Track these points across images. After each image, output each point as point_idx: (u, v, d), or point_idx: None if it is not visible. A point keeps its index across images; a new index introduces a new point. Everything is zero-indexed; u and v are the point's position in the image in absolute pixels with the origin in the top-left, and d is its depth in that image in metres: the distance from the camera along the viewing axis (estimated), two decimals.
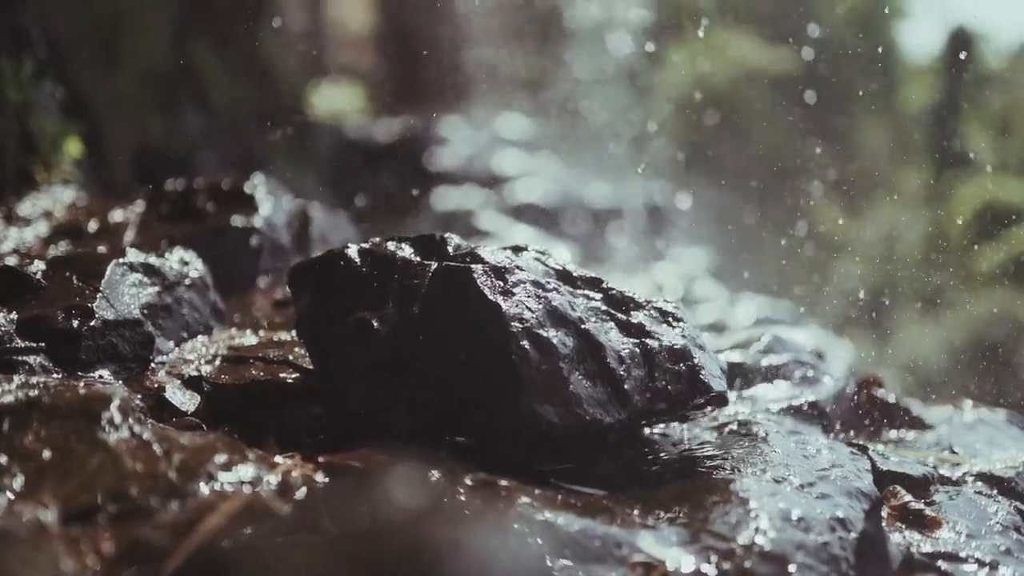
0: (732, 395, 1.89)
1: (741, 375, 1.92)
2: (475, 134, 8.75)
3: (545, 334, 1.42)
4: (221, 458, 1.19)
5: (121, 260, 1.78)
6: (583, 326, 1.47)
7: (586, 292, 1.58)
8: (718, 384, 1.51)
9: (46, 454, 1.17)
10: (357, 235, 2.98)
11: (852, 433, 2.10)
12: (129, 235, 2.49)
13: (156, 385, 1.64)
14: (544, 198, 6.92)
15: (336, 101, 9.78)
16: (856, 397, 2.14)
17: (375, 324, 1.50)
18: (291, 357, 1.72)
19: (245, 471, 1.17)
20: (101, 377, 1.58)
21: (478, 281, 1.44)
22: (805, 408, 1.81)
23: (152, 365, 1.73)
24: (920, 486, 1.57)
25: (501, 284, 1.46)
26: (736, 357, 1.94)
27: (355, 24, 11.32)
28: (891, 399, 2.19)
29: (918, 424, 2.11)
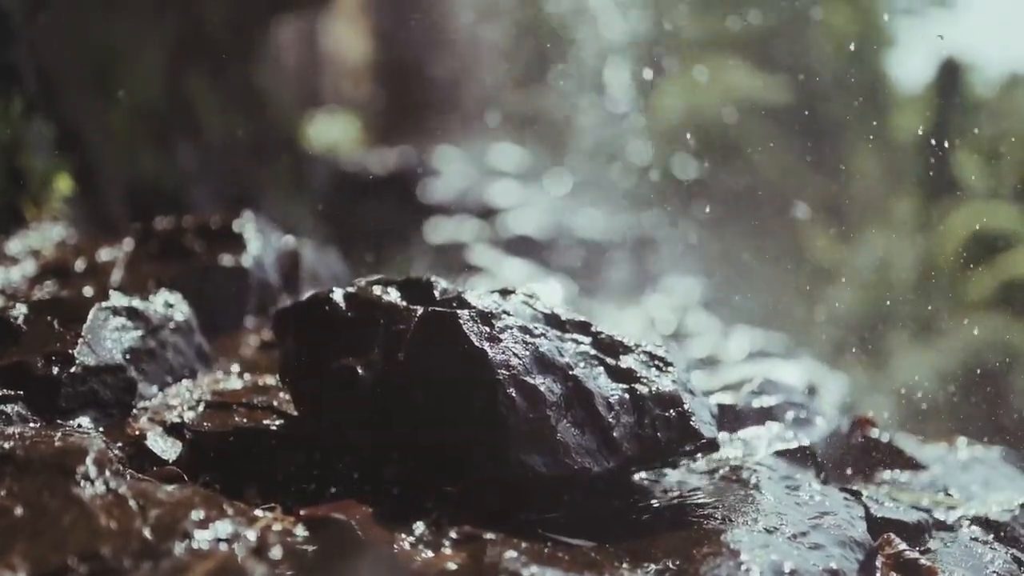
0: (724, 436, 1.87)
1: (732, 417, 1.89)
2: (469, 165, 8.78)
3: (532, 381, 1.39)
4: (198, 514, 1.16)
5: (104, 304, 1.76)
6: (571, 372, 1.45)
7: (575, 336, 1.56)
8: (709, 431, 1.49)
9: (19, 511, 1.14)
10: (347, 272, 2.97)
11: (848, 471, 2.07)
12: (116, 274, 2.47)
13: (137, 432, 1.61)
14: (537, 229, 6.93)
15: (331, 132, 9.82)
16: (849, 437, 2.12)
17: (360, 371, 1.48)
18: (275, 403, 1.70)
19: (222, 528, 1.14)
20: (80, 425, 1.55)
21: (464, 327, 1.42)
22: (797, 452, 1.79)
23: (134, 411, 1.70)
24: (915, 533, 1.54)
25: (488, 330, 1.44)
26: (727, 399, 1.91)
27: (351, 55, 11.41)
28: (884, 439, 2.16)
29: (912, 464, 2.08)
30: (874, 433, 2.17)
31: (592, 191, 9.13)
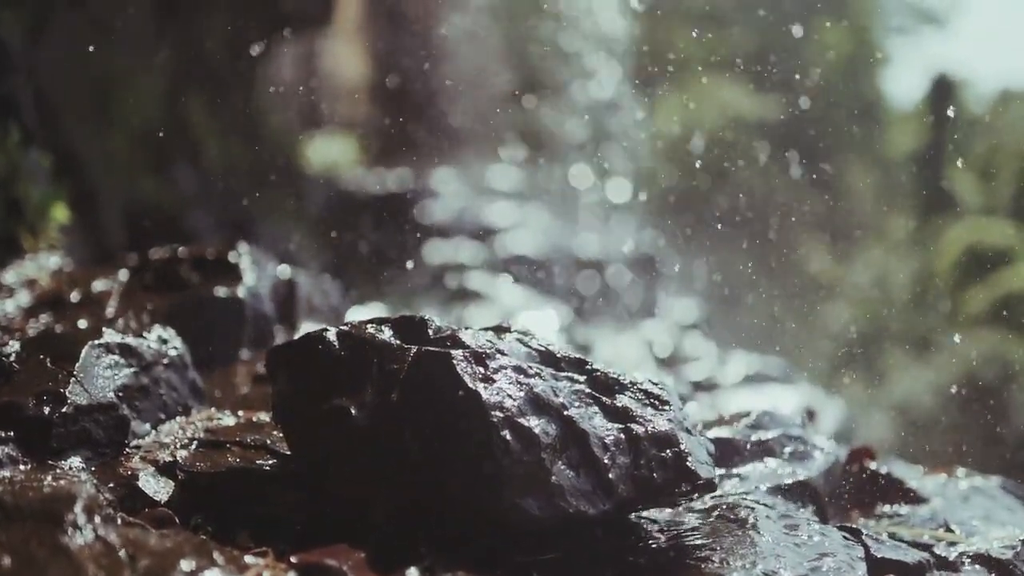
0: (720, 471, 1.85)
1: (730, 451, 1.88)
2: (466, 186, 8.80)
3: (527, 423, 1.38)
4: (188, 564, 1.14)
5: (97, 342, 1.75)
6: (566, 412, 1.44)
7: (570, 374, 1.55)
8: (706, 471, 1.48)
9: (5, 561, 1.13)
10: (344, 301, 2.96)
11: (847, 505, 2.05)
12: (112, 306, 2.46)
13: (129, 472, 1.59)
14: (534, 250, 6.93)
15: (329, 154, 9.84)
16: (848, 470, 2.10)
17: (353, 411, 1.47)
18: (269, 441, 1.68)
19: None
20: (72, 466, 1.54)
21: (458, 368, 1.42)
22: (796, 487, 1.77)
23: (127, 450, 1.68)
24: (916, 573, 1.53)
25: (482, 370, 1.43)
26: (724, 433, 1.90)
27: (349, 76, 11.45)
28: (884, 470, 2.15)
29: (912, 497, 2.06)
30: (873, 465, 2.15)
31: (589, 210, 9.15)
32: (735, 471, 1.83)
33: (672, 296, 7.23)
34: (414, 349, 1.49)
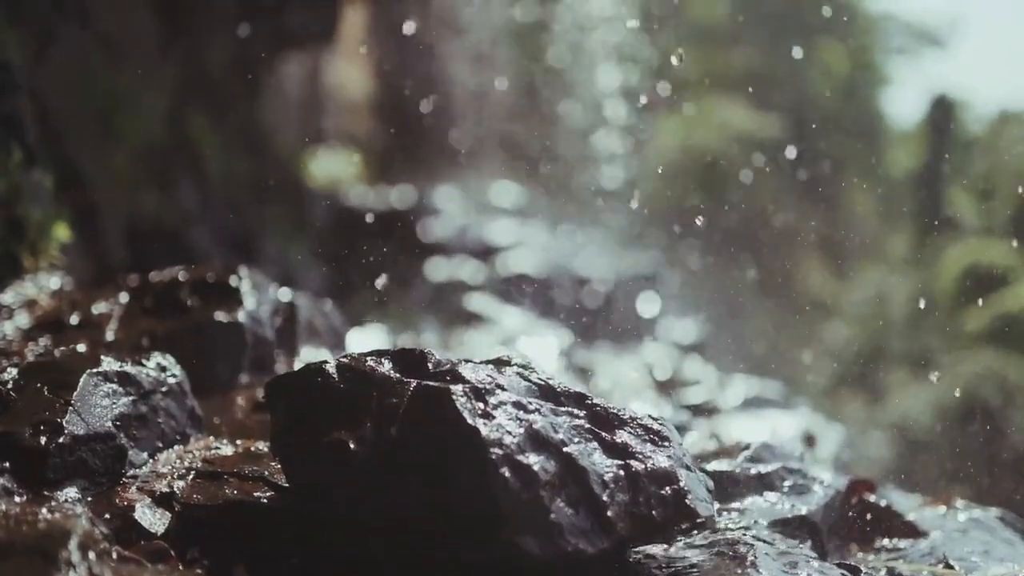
0: (719, 505, 1.85)
1: (729, 484, 1.87)
2: (469, 203, 8.81)
3: (526, 460, 1.38)
4: None
5: (95, 370, 1.75)
6: (566, 449, 1.44)
7: (570, 409, 1.54)
8: (705, 509, 1.47)
9: None
10: (343, 323, 2.96)
11: (847, 539, 2.04)
12: (111, 329, 2.46)
13: (126, 503, 1.59)
14: (535, 269, 6.93)
15: (332, 169, 9.87)
16: (847, 503, 2.09)
17: (352, 445, 1.46)
18: (267, 473, 1.68)
19: None
20: (68, 498, 1.53)
21: (457, 403, 1.41)
22: (795, 522, 1.77)
23: (124, 479, 1.68)
24: None
25: (481, 406, 1.43)
26: (724, 465, 1.89)
27: (352, 92, 11.50)
28: (883, 503, 2.14)
29: (911, 531, 2.05)
30: (872, 497, 2.14)
31: (590, 229, 9.16)
32: (734, 505, 1.82)
33: (673, 316, 7.22)
34: (413, 383, 1.48)
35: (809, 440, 3.70)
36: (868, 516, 2.05)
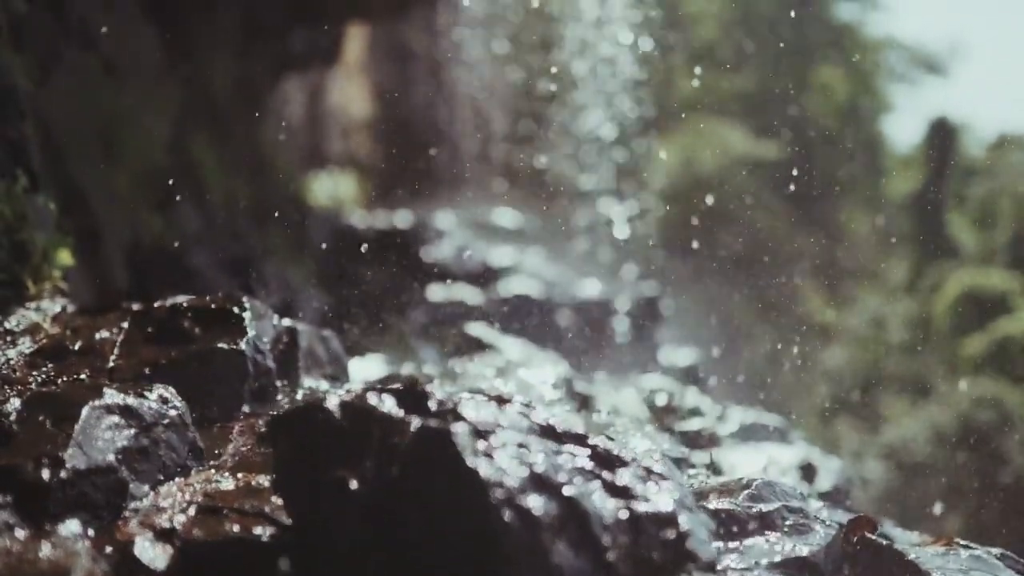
0: (720, 544, 1.84)
1: (729, 523, 1.87)
2: (469, 226, 8.83)
3: (527, 503, 1.38)
4: None
5: (97, 403, 1.75)
6: (567, 491, 1.44)
7: (571, 449, 1.55)
8: (706, 552, 1.47)
9: None
10: (344, 351, 2.96)
11: None
12: (113, 356, 2.46)
13: (126, 538, 1.59)
14: (535, 293, 6.94)
15: (334, 191, 9.91)
16: (848, 541, 2.09)
17: (353, 484, 1.46)
18: (267, 508, 1.67)
19: None
20: (69, 534, 1.53)
21: (458, 444, 1.42)
22: (796, 563, 1.76)
23: (125, 513, 1.68)
24: None
25: (483, 447, 1.43)
26: (725, 504, 1.89)
27: (354, 115, 11.56)
28: (884, 542, 2.13)
29: (913, 570, 2.04)
30: (873, 536, 2.14)
31: (590, 252, 9.18)
32: (735, 545, 1.82)
33: (672, 341, 7.22)
34: (415, 422, 1.49)
35: (808, 472, 3.69)
36: (869, 555, 2.04)
